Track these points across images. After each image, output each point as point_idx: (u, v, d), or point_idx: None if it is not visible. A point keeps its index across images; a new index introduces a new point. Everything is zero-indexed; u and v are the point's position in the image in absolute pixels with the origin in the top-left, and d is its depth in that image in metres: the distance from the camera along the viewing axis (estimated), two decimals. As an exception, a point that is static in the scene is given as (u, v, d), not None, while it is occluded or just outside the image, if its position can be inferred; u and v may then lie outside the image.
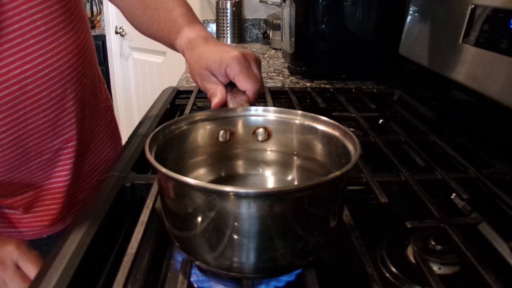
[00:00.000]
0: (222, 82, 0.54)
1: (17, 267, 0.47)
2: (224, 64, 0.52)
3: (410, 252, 0.40)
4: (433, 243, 0.40)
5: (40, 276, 0.34)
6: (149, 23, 0.66)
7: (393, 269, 0.39)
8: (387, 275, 0.39)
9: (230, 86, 0.53)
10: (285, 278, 0.35)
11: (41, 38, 0.52)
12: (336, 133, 0.39)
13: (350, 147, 0.36)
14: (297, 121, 0.43)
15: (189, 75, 1.16)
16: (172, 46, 0.63)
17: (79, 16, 0.60)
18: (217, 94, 0.52)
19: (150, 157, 0.33)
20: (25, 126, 0.54)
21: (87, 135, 0.65)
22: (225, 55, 0.52)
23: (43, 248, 0.65)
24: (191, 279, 0.36)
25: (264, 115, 0.44)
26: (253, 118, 0.45)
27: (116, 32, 2.42)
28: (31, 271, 0.47)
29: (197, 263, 0.35)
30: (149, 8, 0.65)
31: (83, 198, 0.68)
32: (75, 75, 0.58)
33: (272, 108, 0.44)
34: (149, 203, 0.43)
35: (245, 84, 0.51)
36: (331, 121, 0.40)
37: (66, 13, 0.56)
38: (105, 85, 0.74)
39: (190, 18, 0.62)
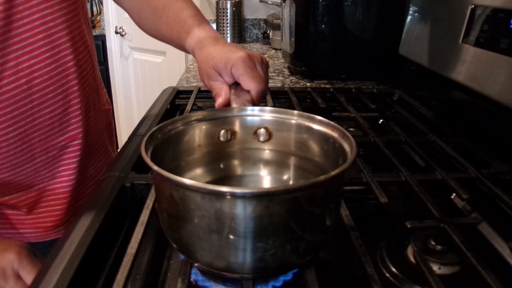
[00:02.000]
0: (228, 82, 0.55)
1: (19, 276, 0.46)
2: (230, 64, 0.53)
3: (410, 252, 0.40)
4: (433, 243, 0.40)
5: (40, 276, 0.34)
6: (158, 25, 0.67)
7: (393, 269, 0.39)
8: (387, 275, 0.39)
9: (235, 85, 0.54)
10: (283, 277, 0.35)
11: (49, 34, 0.53)
12: (332, 133, 0.39)
13: (347, 147, 0.36)
14: (294, 121, 0.43)
15: (189, 75, 1.16)
16: (182, 46, 0.64)
17: (84, 16, 0.61)
18: (221, 94, 0.53)
19: (146, 157, 0.33)
20: (32, 120, 0.54)
21: (91, 135, 0.65)
22: (232, 55, 0.53)
23: (47, 249, 0.65)
24: (191, 279, 0.36)
25: (261, 115, 0.44)
26: (251, 118, 0.45)
27: (116, 32, 2.42)
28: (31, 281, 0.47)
29: (196, 264, 0.35)
30: (158, 10, 0.66)
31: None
32: (81, 72, 0.59)
33: (268, 108, 0.44)
34: (149, 203, 0.43)
35: (249, 84, 0.52)
36: (328, 121, 0.40)
37: (73, 11, 0.57)
38: (105, 89, 0.75)
39: (199, 19, 0.63)
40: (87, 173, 0.67)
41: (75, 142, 0.61)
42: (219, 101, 0.52)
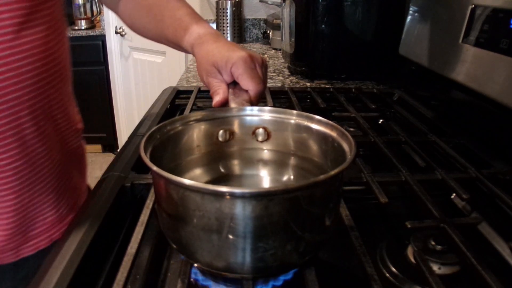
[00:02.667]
0: (226, 81, 0.54)
1: None
2: (230, 62, 0.52)
3: (410, 252, 0.40)
4: (433, 243, 0.40)
5: (40, 276, 0.34)
6: (153, 24, 0.65)
7: (393, 269, 0.39)
8: (387, 275, 0.39)
9: (233, 85, 0.54)
10: (283, 277, 0.35)
11: (4, 32, 0.46)
12: (331, 133, 0.39)
13: (346, 147, 0.36)
14: (293, 121, 0.43)
15: (189, 75, 1.16)
16: (178, 45, 0.63)
17: (54, 22, 0.52)
18: (219, 92, 0.52)
19: (145, 157, 0.33)
20: None
21: (41, 156, 0.53)
22: (233, 54, 0.53)
23: None
24: (191, 279, 0.36)
25: (260, 115, 0.44)
26: (250, 118, 0.45)
27: (116, 32, 2.42)
28: None
29: (196, 264, 0.35)
30: (152, 9, 0.65)
31: (45, 230, 0.56)
32: (37, 81, 0.50)
33: (267, 108, 0.44)
34: (149, 203, 0.43)
35: (248, 84, 0.52)
36: (327, 121, 0.40)
37: (38, 12, 0.49)
38: (77, 107, 0.64)
39: (196, 17, 0.62)
40: (39, 200, 0.54)
41: (16, 163, 0.50)
42: (217, 99, 0.52)
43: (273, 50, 1.56)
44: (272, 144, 0.45)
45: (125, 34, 2.39)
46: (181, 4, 0.64)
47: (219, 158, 0.45)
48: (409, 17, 0.86)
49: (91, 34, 2.71)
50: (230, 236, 0.30)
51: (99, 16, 2.88)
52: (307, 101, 0.86)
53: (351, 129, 0.70)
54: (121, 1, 0.69)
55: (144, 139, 0.36)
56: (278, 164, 0.45)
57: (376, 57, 1.06)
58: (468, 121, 0.67)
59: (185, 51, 0.62)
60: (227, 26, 1.72)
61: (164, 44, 0.67)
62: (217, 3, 1.70)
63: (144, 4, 0.66)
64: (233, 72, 0.53)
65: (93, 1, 2.88)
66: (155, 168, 0.31)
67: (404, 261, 0.39)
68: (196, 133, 0.43)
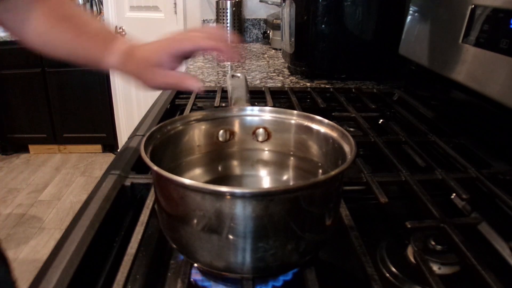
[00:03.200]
0: (177, 63, 0.49)
1: None
2: (166, 50, 0.47)
3: (410, 252, 0.40)
4: (433, 243, 0.40)
5: (40, 276, 0.34)
6: (58, 42, 0.54)
7: (393, 269, 0.39)
8: (387, 275, 0.39)
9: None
10: (283, 277, 0.36)
11: None
12: (332, 133, 0.39)
13: (346, 147, 0.36)
14: (293, 121, 0.43)
15: (189, 75, 1.16)
16: (98, 63, 0.53)
17: None
18: (186, 76, 0.48)
19: (145, 157, 0.33)
20: None
21: None
22: (158, 44, 0.48)
23: None
24: (191, 279, 0.36)
25: (261, 115, 0.44)
26: (250, 118, 0.45)
27: (116, 32, 2.42)
28: None
29: (196, 264, 0.35)
30: (56, 26, 0.53)
31: None
32: None
33: (267, 108, 0.45)
34: (149, 203, 0.43)
35: (198, 42, 0.47)
36: (328, 121, 0.40)
37: None
38: None
39: (111, 31, 0.56)
40: None
41: None
42: (198, 85, 0.47)
43: (273, 50, 1.56)
44: (272, 144, 0.45)
45: (125, 34, 2.39)
46: (90, 16, 0.56)
47: (219, 158, 0.45)
48: (409, 17, 0.86)
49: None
50: (230, 236, 0.30)
51: (99, 16, 2.88)
52: (307, 101, 0.86)
53: (351, 129, 0.70)
54: (31, 17, 0.52)
55: (145, 139, 0.36)
56: (279, 164, 0.45)
57: (376, 57, 1.06)
58: (468, 121, 0.67)
59: (102, 68, 0.54)
60: (227, 26, 1.72)
61: (78, 63, 0.55)
62: (217, 3, 1.70)
63: (43, 16, 0.52)
64: (178, 51, 0.47)
65: (93, 1, 2.88)
66: (155, 167, 0.31)
67: (404, 261, 0.39)
68: (197, 133, 0.43)
